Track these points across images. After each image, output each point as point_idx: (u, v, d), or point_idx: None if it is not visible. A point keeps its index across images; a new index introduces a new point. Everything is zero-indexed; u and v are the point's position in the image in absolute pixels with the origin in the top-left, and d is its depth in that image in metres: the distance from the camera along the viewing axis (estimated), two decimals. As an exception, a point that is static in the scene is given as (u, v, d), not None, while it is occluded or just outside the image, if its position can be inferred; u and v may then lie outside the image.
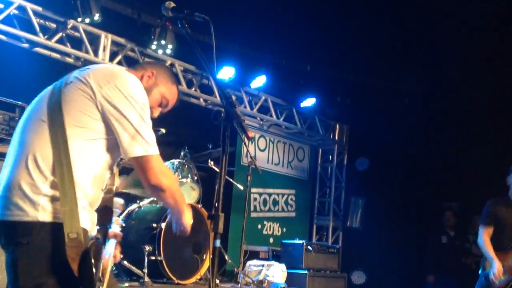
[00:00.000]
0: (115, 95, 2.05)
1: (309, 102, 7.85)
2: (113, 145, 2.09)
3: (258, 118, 7.58)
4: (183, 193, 2.33)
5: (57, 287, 1.88)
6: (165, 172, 2.17)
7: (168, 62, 6.33)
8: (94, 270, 1.90)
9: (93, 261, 1.91)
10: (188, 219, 2.35)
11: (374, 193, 8.96)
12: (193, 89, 6.71)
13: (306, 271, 5.93)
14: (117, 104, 2.04)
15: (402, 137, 9.16)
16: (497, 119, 8.27)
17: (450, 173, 9.13)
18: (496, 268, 4.57)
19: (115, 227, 2.35)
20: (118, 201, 2.43)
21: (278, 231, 7.66)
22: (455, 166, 9.11)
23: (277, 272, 5.70)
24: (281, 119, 7.78)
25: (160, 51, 6.21)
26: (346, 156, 8.70)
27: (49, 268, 1.89)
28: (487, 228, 4.78)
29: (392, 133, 9.05)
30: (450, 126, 8.87)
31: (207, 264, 5.03)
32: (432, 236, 7.98)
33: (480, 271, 4.83)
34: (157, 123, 5.51)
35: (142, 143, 2.07)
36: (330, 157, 8.70)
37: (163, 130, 5.21)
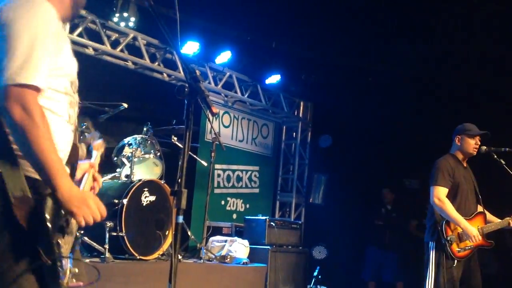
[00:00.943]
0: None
1: (274, 79, 7.85)
2: None
3: (222, 94, 7.54)
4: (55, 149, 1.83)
5: (9, 248, 1.81)
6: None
7: (131, 35, 6.20)
8: (49, 224, 1.80)
9: (47, 215, 1.82)
10: (67, 188, 1.83)
11: (337, 170, 9.07)
12: (156, 63, 6.60)
13: (268, 247, 5.99)
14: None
15: (365, 115, 9.27)
16: (457, 97, 8.45)
17: (411, 151, 9.32)
18: (471, 228, 4.46)
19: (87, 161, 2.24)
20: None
21: (242, 207, 7.70)
22: (416, 144, 9.30)
23: (240, 247, 5.74)
24: (246, 96, 7.76)
25: (122, 24, 6.07)
26: (310, 134, 8.76)
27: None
28: (445, 188, 4.58)
29: (356, 111, 9.15)
30: (412, 105, 9.02)
31: (169, 240, 5.02)
32: (372, 210, 8.44)
33: (428, 239, 4.66)
34: (118, 98, 5.42)
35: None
36: (294, 134, 8.74)
37: (125, 105, 5.13)
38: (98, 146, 2.33)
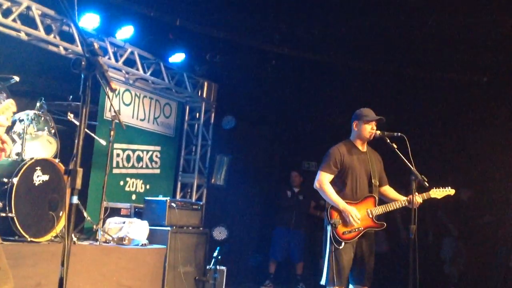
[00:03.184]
0: None
1: (177, 57, 7.69)
2: None
3: (123, 71, 7.28)
4: None
5: None
6: None
7: (24, 5, 5.79)
8: None
9: None
10: None
11: (240, 151, 9.14)
12: (52, 35, 6.22)
13: (168, 228, 5.91)
14: None
15: (268, 98, 9.40)
16: (358, 81, 8.78)
17: (311, 134, 9.60)
18: (350, 209, 4.63)
19: None
20: None
21: (142, 188, 7.53)
22: (315, 127, 9.59)
23: (139, 229, 5.62)
24: (148, 74, 7.55)
25: (14, -9, 5.65)
26: (213, 114, 8.71)
27: None
28: (329, 175, 4.76)
29: (259, 93, 9.24)
30: (314, 89, 9.25)
31: (63, 221, 4.81)
32: (279, 192, 8.78)
33: (324, 222, 4.82)
34: (9, 70, 5.07)
35: None
36: (198, 114, 8.66)
37: (16, 78, 4.82)
38: (4, 108, 2.17)
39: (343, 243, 4.65)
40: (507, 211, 8.53)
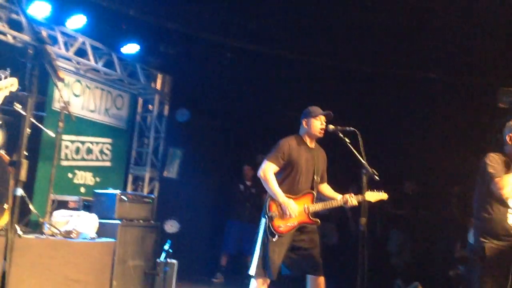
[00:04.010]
0: None
1: (131, 48, 7.57)
2: None
3: (74, 61, 7.11)
4: None
5: None
6: None
7: (-31, -11, 5.57)
8: None
9: None
10: None
11: (193, 144, 9.08)
12: (0, 24, 6.01)
13: (118, 221, 5.82)
14: None
15: (222, 91, 9.37)
16: (311, 77, 8.87)
17: (265, 127, 9.63)
18: (288, 203, 4.65)
19: None
20: None
21: (91, 181, 7.38)
22: (269, 121, 9.63)
23: (87, 222, 5.51)
24: (100, 64, 7.40)
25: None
26: (167, 107, 8.62)
27: None
28: (274, 165, 4.76)
29: (214, 86, 9.20)
30: (268, 82, 9.29)
31: (7, 214, 4.65)
32: (232, 185, 8.80)
33: (261, 213, 4.83)
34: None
35: None
36: (151, 107, 8.55)
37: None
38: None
39: (277, 236, 4.69)
40: (450, 204, 8.82)
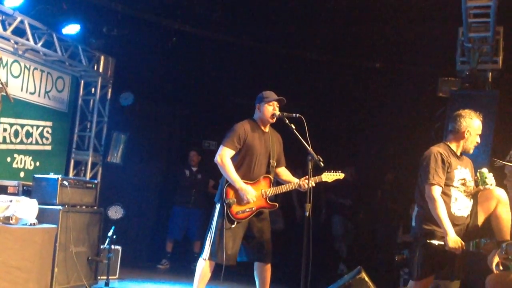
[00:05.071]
0: None
1: (72, 29, 7.31)
2: None
3: (12, 41, 6.80)
4: None
5: None
6: None
7: None
8: None
9: None
10: None
11: (138, 129, 8.92)
12: None
13: (60, 207, 5.65)
14: None
15: (168, 75, 9.24)
16: (258, 62, 8.88)
17: (211, 113, 9.59)
18: (246, 189, 4.68)
19: None
20: None
21: (31, 165, 7.13)
22: (215, 106, 9.59)
23: (27, 208, 5.31)
24: (39, 45, 7.10)
25: None
26: (110, 90, 8.40)
27: None
28: (231, 150, 4.77)
29: (159, 70, 9.05)
30: (214, 67, 9.23)
31: None
32: (178, 171, 8.74)
33: (215, 199, 4.87)
34: None
35: None
36: (93, 89, 8.31)
37: None
38: None
39: (235, 222, 4.72)
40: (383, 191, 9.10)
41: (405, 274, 6.16)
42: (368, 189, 9.33)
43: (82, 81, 8.22)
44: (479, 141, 4.49)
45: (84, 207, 6.06)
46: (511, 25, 6.90)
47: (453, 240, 4.10)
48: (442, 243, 4.19)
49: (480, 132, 4.47)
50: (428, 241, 4.28)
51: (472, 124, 4.44)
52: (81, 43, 7.71)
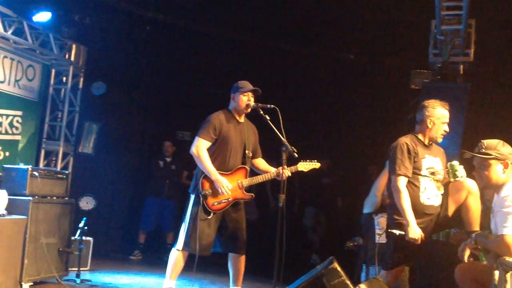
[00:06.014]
0: None
1: (43, 16, 7.16)
2: None
3: (-20, 28, 6.64)
4: None
5: None
6: None
7: None
8: None
9: None
10: None
11: (110, 119, 8.82)
12: None
13: (30, 198, 5.55)
14: None
15: (142, 65, 9.14)
16: (232, 52, 8.84)
17: (184, 103, 9.52)
18: (221, 180, 4.67)
19: None
20: None
21: (0, 155, 6.98)
22: (189, 97, 9.53)
23: (-4, 199, 5.22)
24: (9, 32, 6.93)
25: None
26: (82, 79, 8.26)
27: None
28: (207, 141, 4.75)
29: (132, 59, 8.95)
30: (188, 57, 9.16)
31: None
32: (151, 162, 8.70)
33: (189, 190, 4.85)
34: None
35: None
36: (65, 79, 8.16)
37: None
38: None
39: (211, 214, 4.71)
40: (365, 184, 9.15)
41: (360, 261, 6.15)
42: (344, 181, 9.38)
43: (53, 70, 8.07)
44: (446, 129, 4.51)
45: (54, 198, 5.96)
46: (483, 18, 6.98)
47: (413, 231, 4.16)
48: (403, 232, 4.24)
49: (445, 121, 4.49)
50: (389, 230, 4.34)
51: (434, 113, 4.48)
52: (53, 31, 7.56)
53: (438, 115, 4.48)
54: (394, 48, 8.35)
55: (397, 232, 4.28)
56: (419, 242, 4.19)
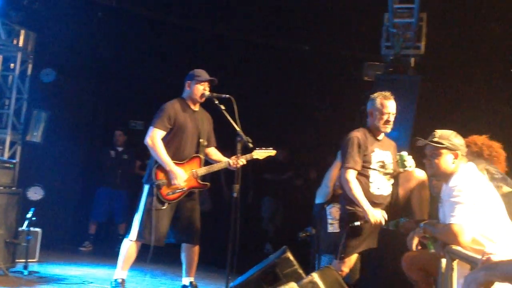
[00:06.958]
0: None
1: (-11, 0, 6.89)
2: None
3: None
4: None
5: None
6: None
7: None
8: None
9: None
10: None
11: (60, 107, 8.58)
12: None
13: (-26, 188, 5.36)
14: None
15: (93, 52, 8.92)
16: (188, 41, 8.75)
17: (137, 92, 9.37)
18: (176, 170, 4.63)
19: None
20: None
21: None
22: (142, 86, 9.38)
23: None
24: (-48, 15, 6.66)
25: None
26: (30, 66, 8.00)
27: None
28: (161, 131, 4.69)
29: (83, 46, 8.72)
30: (142, 46, 9.01)
31: None
32: (102, 151, 8.55)
33: (143, 180, 4.80)
34: None
35: None
36: (12, 65, 7.88)
37: None
38: None
39: (166, 204, 4.67)
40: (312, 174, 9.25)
41: (313, 251, 6.21)
42: (298, 170, 9.44)
43: (1, 56, 7.78)
44: (390, 119, 4.54)
45: (1, 187, 5.78)
46: (434, 12, 7.14)
47: (372, 215, 4.25)
48: (363, 222, 4.32)
49: (387, 111, 4.52)
50: (350, 225, 4.40)
51: (375, 103, 4.56)
52: (0, 16, 7.28)
53: (378, 105, 4.54)
54: (349, 39, 8.44)
55: (357, 223, 4.35)
56: (384, 222, 4.28)
